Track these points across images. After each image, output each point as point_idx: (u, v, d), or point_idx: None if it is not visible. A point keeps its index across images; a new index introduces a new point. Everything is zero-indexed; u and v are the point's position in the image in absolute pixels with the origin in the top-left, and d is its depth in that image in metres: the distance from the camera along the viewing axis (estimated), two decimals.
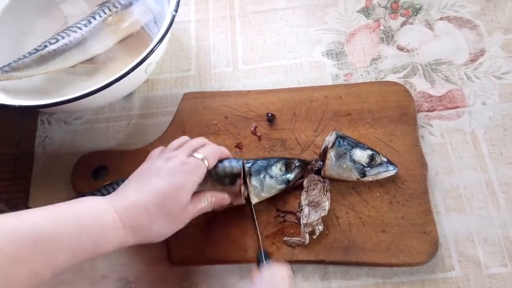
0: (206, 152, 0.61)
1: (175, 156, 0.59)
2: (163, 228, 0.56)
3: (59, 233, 0.47)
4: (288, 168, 0.66)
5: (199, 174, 0.58)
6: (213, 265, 0.67)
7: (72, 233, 0.48)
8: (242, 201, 0.64)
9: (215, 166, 0.62)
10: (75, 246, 0.49)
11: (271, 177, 0.65)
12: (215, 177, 0.62)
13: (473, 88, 0.76)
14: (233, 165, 0.64)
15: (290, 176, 0.66)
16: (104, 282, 0.68)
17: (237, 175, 0.63)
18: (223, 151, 0.65)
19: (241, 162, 0.64)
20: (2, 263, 0.43)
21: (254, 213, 0.66)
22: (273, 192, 0.66)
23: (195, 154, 0.60)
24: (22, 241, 0.45)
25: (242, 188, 0.63)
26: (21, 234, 0.45)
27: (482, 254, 0.65)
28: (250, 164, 0.66)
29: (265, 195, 0.66)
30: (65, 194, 0.73)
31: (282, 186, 0.66)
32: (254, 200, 0.65)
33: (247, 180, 0.64)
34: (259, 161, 0.66)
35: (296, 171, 0.67)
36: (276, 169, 0.66)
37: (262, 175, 0.65)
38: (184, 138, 0.65)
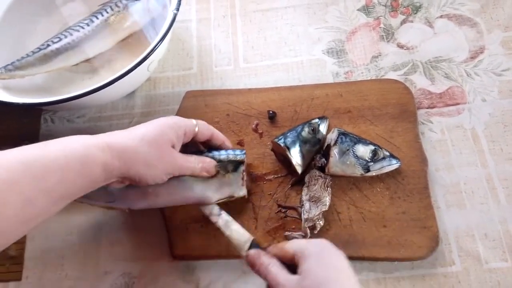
0: (199, 121, 0.63)
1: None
2: (149, 156, 0.56)
3: (46, 156, 0.48)
4: (314, 130, 0.69)
5: (187, 127, 0.60)
6: (215, 259, 0.67)
7: (58, 154, 0.49)
8: (244, 191, 0.65)
9: (220, 153, 0.64)
10: (63, 166, 0.48)
11: (305, 142, 0.67)
12: (219, 164, 0.63)
13: (473, 85, 0.76)
14: (237, 153, 0.65)
15: (320, 134, 0.69)
16: (107, 277, 0.69)
17: (240, 162, 0.64)
18: (217, 132, 0.66)
19: (244, 151, 0.65)
20: None
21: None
22: (311, 154, 0.69)
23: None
24: (11, 166, 0.45)
25: (245, 177, 0.64)
26: (10, 161, 0.45)
27: (482, 249, 0.65)
28: (283, 140, 0.68)
29: (306, 161, 0.68)
30: None
31: (317, 148, 0.69)
32: (299, 169, 0.67)
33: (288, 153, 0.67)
34: (288, 133, 0.68)
35: (322, 128, 0.70)
36: (305, 133, 0.68)
37: (298, 144, 0.67)
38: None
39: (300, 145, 0.67)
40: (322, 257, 0.51)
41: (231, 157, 0.65)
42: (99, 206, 0.65)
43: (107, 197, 0.63)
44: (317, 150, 0.69)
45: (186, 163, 0.60)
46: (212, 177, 0.63)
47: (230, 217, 0.62)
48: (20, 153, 0.47)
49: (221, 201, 0.64)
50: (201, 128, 0.63)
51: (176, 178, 0.61)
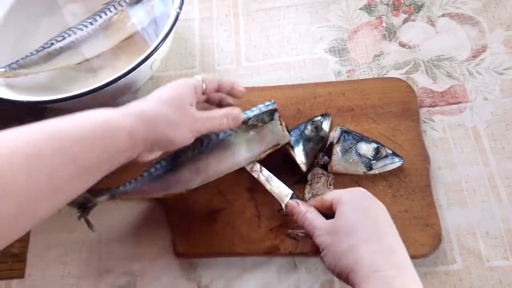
0: (203, 75, 0.64)
1: None
2: (172, 115, 0.56)
3: (70, 127, 0.47)
4: (317, 128, 0.69)
5: (196, 85, 0.60)
6: (217, 257, 0.68)
7: (81, 124, 0.49)
8: (288, 137, 0.66)
9: (251, 111, 0.67)
10: (88, 135, 0.48)
11: (308, 140, 0.68)
12: (254, 119, 0.66)
13: (475, 84, 0.76)
14: (267, 104, 0.68)
15: (323, 132, 0.70)
16: (109, 275, 0.69)
17: (274, 110, 0.66)
18: (223, 78, 0.67)
19: (273, 101, 0.68)
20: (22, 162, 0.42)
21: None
22: (315, 152, 0.69)
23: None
24: (35, 139, 0.44)
25: (283, 122, 0.66)
26: (34, 133, 0.45)
27: (483, 247, 0.65)
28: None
29: (310, 159, 0.68)
30: None
31: (320, 145, 0.69)
32: (303, 167, 0.67)
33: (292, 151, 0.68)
34: (291, 132, 0.69)
35: (325, 126, 0.71)
36: (308, 131, 0.69)
37: (301, 143, 0.68)
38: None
39: (303, 144, 0.67)
40: (358, 202, 0.53)
41: (263, 109, 0.67)
42: (156, 198, 0.66)
43: (162, 185, 0.64)
44: (320, 148, 0.69)
45: (210, 118, 0.60)
46: (253, 132, 0.65)
47: (270, 173, 0.66)
48: (44, 125, 0.46)
49: (268, 151, 0.66)
50: (207, 81, 0.63)
51: (221, 146, 0.64)
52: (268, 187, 0.65)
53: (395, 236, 0.51)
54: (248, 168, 0.67)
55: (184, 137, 0.57)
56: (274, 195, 0.64)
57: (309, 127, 0.69)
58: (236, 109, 0.63)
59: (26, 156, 0.43)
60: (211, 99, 0.66)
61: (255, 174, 0.66)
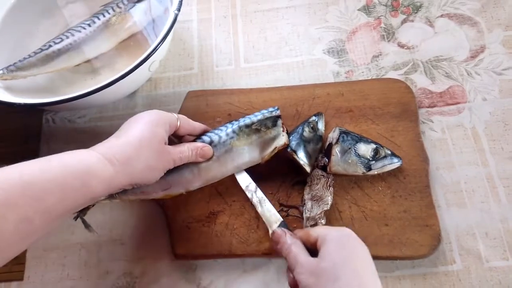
0: (180, 116, 0.65)
1: None
2: (150, 160, 0.57)
3: (45, 176, 0.47)
4: (314, 128, 0.70)
5: (171, 121, 0.61)
6: (216, 259, 0.68)
7: (57, 173, 0.48)
8: (284, 138, 0.66)
9: (255, 115, 0.67)
10: (63, 186, 0.48)
11: (308, 142, 0.68)
12: (257, 124, 0.66)
13: (474, 84, 0.76)
14: (270, 110, 0.69)
15: (319, 131, 0.70)
16: (109, 277, 0.69)
17: (277, 117, 0.67)
18: (197, 124, 0.68)
19: (277, 107, 0.69)
20: None
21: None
22: (316, 153, 0.69)
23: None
24: (9, 187, 0.44)
25: (285, 128, 0.67)
26: (8, 181, 0.45)
27: (483, 248, 0.65)
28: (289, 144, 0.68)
29: (312, 160, 0.68)
30: None
31: (320, 145, 0.70)
32: (308, 169, 0.67)
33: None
34: (291, 137, 0.68)
35: (320, 125, 0.71)
36: (307, 133, 0.69)
37: (303, 146, 0.67)
38: None
39: (304, 146, 0.67)
40: (342, 242, 0.53)
41: (266, 114, 0.68)
42: (155, 199, 0.66)
43: (162, 186, 0.64)
44: (320, 148, 0.69)
45: (180, 154, 0.61)
46: (255, 136, 0.66)
47: (264, 195, 0.66)
48: (19, 171, 0.47)
49: (267, 156, 0.66)
50: (183, 122, 0.64)
51: (223, 149, 0.64)
52: (259, 209, 0.65)
53: (376, 282, 0.50)
54: (243, 186, 0.67)
55: (158, 176, 0.59)
56: (264, 218, 0.65)
57: (306, 128, 0.69)
58: (205, 145, 0.65)
59: None
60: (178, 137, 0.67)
61: (248, 194, 0.67)
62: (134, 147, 0.55)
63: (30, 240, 0.47)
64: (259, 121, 0.67)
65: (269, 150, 0.66)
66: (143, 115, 0.60)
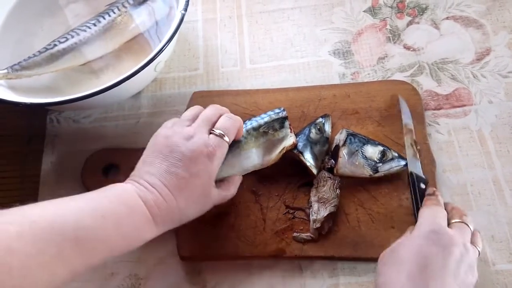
0: (226, 125, 0.60)
1: (195, 134, 0.57)
2: (190, 214, 0.57)
3: (99, 235, 0.48)
4: (320, 130, 0.69)
5: (222, 155, 0.58)
6: (222, 261, 0.67)
7: (111, 235, 0.49)
8: (292, 138, 0.66)
9: (261, 117, 0.67)
10: (112, 247, 0.49)
11: (315, 144, 0.68)
12: (265, 127, 0.66)
13: (479, 87, 0.76)
14: (276, 111, 0.68)
15: (326, 133, 0.70)
16: (114, 278, 0.68)
17: (284, 118, 0.66)
18: (240, 121, 0.63)
19: (283, 108, 0.68)
20: (44, 262, 0.43)
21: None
22: (323, 155, 0.70)
23: (216, 130, 0.59)
24: (62, 241, 0.45)
25: (292, 129, 0.67)
26: (62, 233, 0.45)
27: (489, 251, 0.65)
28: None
29: (319, 162, 0.69)
30: (75, 192, 0.72)
31: (326, 146, 0.70)
32: (315, 171, 0.67)
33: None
34: (297, 138, 0.68)
35: (327, 127, 0.71)
36: (313, 134, 0.68)
37: (309, 147, 0.67)
38: (197, 108, 0.63)
39: (311, 147, 0.67)
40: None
41: (273, 116, 0.67)
42: None
43: None
44: (326, 150, 0.69)
45: (221, 200, 0.61)
46: (263, 139, 0.66)
47: None
48: (74, 223, 0.47)
49: (276, 157, 0.65)
50: (231, 137, 0.61)
51: (232, 151, 0.62)
52: None
53: None
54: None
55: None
56: None
57: (313, 130, 0.69)
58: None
59: (47, 257, 0.44)
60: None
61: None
62: (179, 209, 0.55)
63: (69, 282, 0.47)
64: (266, 123, 0.66)
65: (277, 151, 0.65)
66: (203, 167, 0.56)
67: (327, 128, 0.70)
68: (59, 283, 0.45)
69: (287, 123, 0.66)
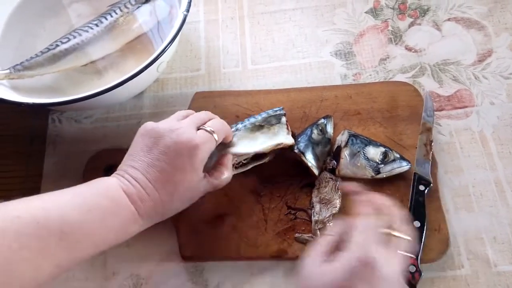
0: (216, 126, 0.60)
1: (181, 127, 0.57)
2: (175, 207, 0.58)
3: (84, 229, 0.48)
4: (322, 130, 0.70)
5: (208, 149, 0.58)
6: (224, 261, 0.67)
7: (97, 229, 0.49)
8: (291, 140, 0.66)
9: (260, 115, 0.68)
10: (98, 241, 0.50)
11: (317, 144, 0.68)
12: (262, 120, 0.67)
13: (481, 88, 0.76)
14: (275, 109, 0.69)
15: (328, 134, 0.70)
16: (115, 278, 0.68)
17: (282, 115, 0.68)
18: (229, 127, 0.64)
19: (282, 107, 0.69)
20: (28, 257, 0.44)
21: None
22: (325, 156, 0.70)
23: (205, 127, 0.59)
24: (48, 236, 0.45)
25: (289, 127, 0.68)
26: (48, 228, 0.45)
27: (491, 252, 0.65)
28: (296, 146, 0.68)
29: (321, 163, 0.69)
30: None
31: (328, 147, 0.70)
32: (316, 171, 0.67)
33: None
34: (299, 138, 0.68)
35: (329, 128, 0.71)
36: (315, 135, 0.69)
37: (311, 148, 0.67)
38: (190, 111, 0.64)
39: (313, 148, 0.67)
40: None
41: (271, 113, 0.68)
42: None
43: None
44: (328, 151, 0.69)
45: (212, 186, 0.61)
46: (259, 132, 0.66)
47: None
48: (59, 220, 0.47)
49: (270, 148, 0.65)
50: (220, 137, 0.60)
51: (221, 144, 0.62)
52: None
53: None
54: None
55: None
56: None
57: (315, 130, 0.69)
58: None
59: (31, 251, 0.44)
60: None
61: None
62: (163, 202, 0.55)
63: (57, 277, 0.47)
64: (263, 118, 0.67)
65: (273, 143, 0.65)
66: (187, 160, 0.55)
67: (329, 129, 0.71)
68: (45, 277, 0.45)
69: (283, 119, 0.67)
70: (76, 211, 0.48)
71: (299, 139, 0.68)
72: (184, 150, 0.55)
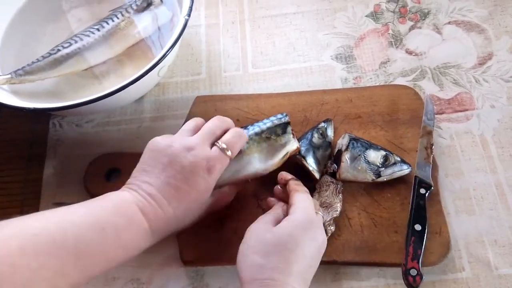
0: (232, 141, 0.60)
1: (196, 145, 0.57)
2: (186, 222, 0.59)
3: (99, 248, 0.49)
4: (323, 134, 0.70)
5: (221, 168, 0.58)
6: (225, 266, 0.67)
7: (111, 247, 0.50)
8: (296, 144, 0.66)
9: (263, 123, 0.67)
10: (111, 258, 0.50)
11: (318, 148, 0.68)
12: (267, 132, 0.66)
13: (482, 91, 0.77)
14: (279, 117, 0.68)
15: (328, 138, 0.70)
16: (115, 283, 0.68)
17: (287, 123, 0.67)
18: (246, 137, 0.64)
19: (285, 113, 0.68)
20: (47, 277, 0.43)
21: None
22: (325, 159, 0.70)
23: (220, 144, 0.59)
24: (64, 256, 0.45)
25: (294, 135, 0.67)
26: (64, 248, 0.46)
27: (492, 255, 0.65)
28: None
29: (321, 166, 0.69)
30: (77, 196, 0.73)
31: (329, 151, 0.70)
32: (317, 175, 0.67)
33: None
34: (300, 142, 0.68)
35: (329, 131, 0.71)
36: (316, 139, 0.69)
37: (312, 152, 0.67)
38: (199, 119, 0.63)
39: (314, 152, 0.67)
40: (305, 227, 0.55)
41: (276, 122, 0.67)
42: None
43: None
44: (329, 155, 0.69)
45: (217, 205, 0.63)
46: (265, 144, 0.65)
47: None
48: (74, 236, 0.47)
49: (281, 163, 0.65)
50: (234, 152, 0.61)
51: (233, 160, 0.61)
52: None
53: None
54: None
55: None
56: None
57: (315, 134, 0.69)
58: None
59: (48, 271, 0.44)
60: None
61: None
62: (177, 219, 0.56)
63: None
64: (269, 129, 0.66)
65: (280, 156, 0.65)
66: (203, 180, 0.57)
67: (330, 132, 0.71)
68: None
69: (289, 129, 0.66)
70: (91, 231, 0.49)
71: (300, 143, 0.68)
72: (200, 170, 0.56)
